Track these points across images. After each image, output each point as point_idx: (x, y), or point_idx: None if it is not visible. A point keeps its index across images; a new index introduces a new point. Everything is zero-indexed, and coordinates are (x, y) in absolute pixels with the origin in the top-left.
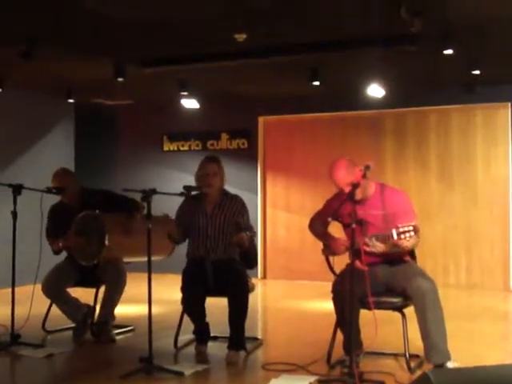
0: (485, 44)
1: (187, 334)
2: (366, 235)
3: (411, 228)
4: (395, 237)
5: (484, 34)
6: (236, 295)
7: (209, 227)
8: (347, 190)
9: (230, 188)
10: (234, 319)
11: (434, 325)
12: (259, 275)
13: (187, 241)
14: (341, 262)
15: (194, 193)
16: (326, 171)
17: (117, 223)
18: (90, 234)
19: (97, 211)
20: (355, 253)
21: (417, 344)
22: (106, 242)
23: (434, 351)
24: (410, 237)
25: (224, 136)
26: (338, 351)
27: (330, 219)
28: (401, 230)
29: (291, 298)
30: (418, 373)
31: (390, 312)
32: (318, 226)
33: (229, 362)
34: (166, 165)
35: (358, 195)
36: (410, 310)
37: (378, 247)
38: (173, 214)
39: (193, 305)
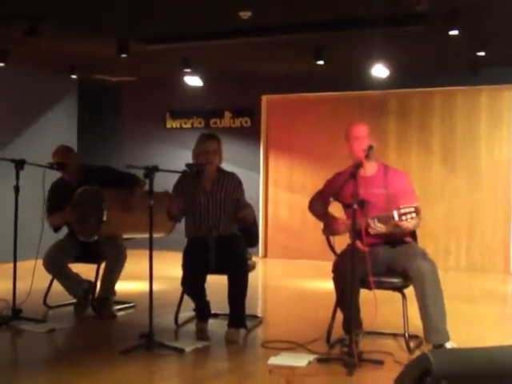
0: (491, 25)
1: (188, 311)
2: (368, 216)
3: (412, 209)
4: (396, 218)
5: (490, 15)
6: (235, 274)
7: (210, 204)
8: (363, 154)
9: (233, 166)
10: (234, 298)
11: (434, 306)
12: (260, 254)
13: (183, 220)
14: (341, 241)
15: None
16: (330, 151)
17: (116, 199)
18: (89, 209)
19: (95, 188)
20: (356, 233)
21: (416, 324)
22: (105, 218)
23: (433, 332)
24: (412, 218)
25: (227, 114)
26: (338, 330)
27: (331, 199)
28: (402, 211)
29: (291, 276)
30: (417, 353)
31: (390, 292)
32: (318, 206)
33: (228, 340)
34: (169, 142)
35: (361, 175)
36: (410, 291)
37: (379, 228)
38: None
39: (193, 285)
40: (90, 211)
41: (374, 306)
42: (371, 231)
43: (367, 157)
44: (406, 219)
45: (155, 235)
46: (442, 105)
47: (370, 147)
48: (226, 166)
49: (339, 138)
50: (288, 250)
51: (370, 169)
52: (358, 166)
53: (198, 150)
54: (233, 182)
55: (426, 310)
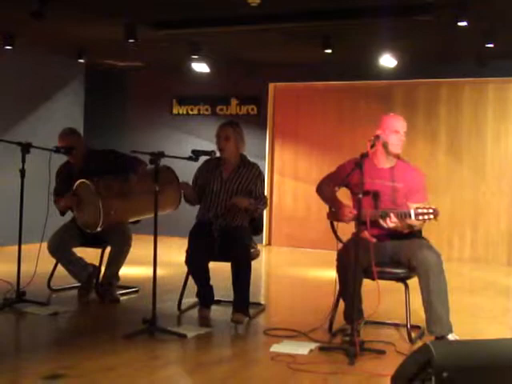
0: (500, 17)
1: (191, 297)
2: (377, 207)
3: (431, 211)
4: (413, 217)
5: (499, 6)
6: (238, 263)
7: (222, 192)
8: (400, 150)
9: None
10: (237, 287)
11: (438, 296)
12: (264, 242)
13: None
14: (346, 229)
15: (207, 157)
16: (335, 140)
17: (112, 188)
18: (87, 203)
19: (88, 181)
20: (362, 224)
21: (419, 315)
22: (101, 214)
23: (435, 323)
24: (429, 220)
25: (233, 101)
26: (340, 319)
27: (336, 188)
28: (420, 211)
29: (295, 265)
30: (419, 344)
31: (393, 282)
32: (326, 189)
33: (235, 321)
34: (175, 128)
35: (373, 165)
36: (412, 281)
37: (393, 224)
38: (182, 178)
39: (196, 266)
40: (88, 205)
41: (377, 296)
42: (384, 224)
43: (372, 147)
44: (423, 220)
45: (163, 212)
46: (448, 96)
47: (377, 137)
48: None
49: (345, 126)
50: (292, 238)
51: (385, 161)
52: (365, 155)
53: (215, 135)
54: (251, 172)
55: (430, 300)
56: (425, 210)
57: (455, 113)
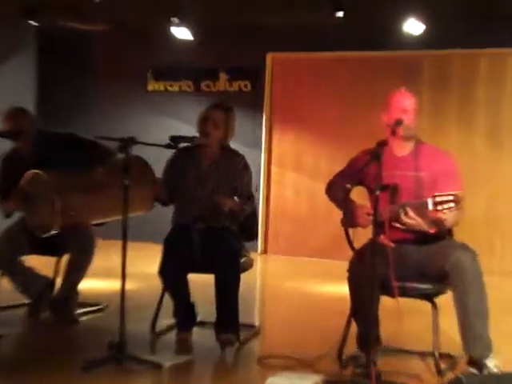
0: None
1: (168, 317)
2: (396, 203)
3: (450, 198)
4: (430, 207)
5: None
6: (225, 275)
7: (199, 188)
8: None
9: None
10: (223, 304)
11: (477, 308)
12: (259, 249)
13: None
14: (364, 236)
15: (186, 144)
16: (348, 125)
17: (72, 182)
18: (39, 200)
19: (41, 172)
20: (378, 225)
21: (449, 340)
22: (58, 212)
23: (473, 340)
24: (449, 209)
25: (222, 76)
26: (351, 346)
27: (349, 186)
28: (438, 199)
29: (297, 278)
30: (450, 376)
31: (417, 301)
32: (338, 190)
33: (222, 342)
34: (151, 108)
35: (390, 155)
36: (442, 300)
37: (411, 219)
38: (158, 171)
39: (173, 278)
40: (41, 202)
41: (398, 318)
42: (401, 224)
43: (393, 134)
44: (442, 209)
45: (135, 213)
46: (489, 71)
47: (398, 121)
48: None
49: (361, 108)
50: (294, 244)
51: (402, 148)
52: (383, 143)
53: (199, 117)
54: (235, 165)
55: (467, 313)
56: (444, 198)
57: (497, 91)
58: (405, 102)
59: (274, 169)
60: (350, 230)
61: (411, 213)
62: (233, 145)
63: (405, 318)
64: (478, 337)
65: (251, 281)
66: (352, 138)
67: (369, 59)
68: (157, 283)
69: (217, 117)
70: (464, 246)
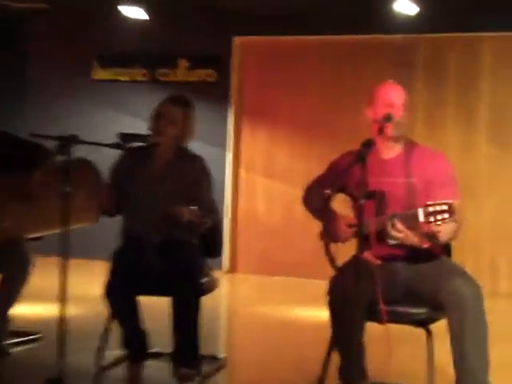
0: None
1: (116, 347)
2: (383, 213)
3: (444, 207)
4: (422, 218)
5: None
6: (181, 297)
7: (151, 195)
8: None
9: None
10: (180, 332)
11: (474, 345)
12: (225, 267)
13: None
14: (348, 252)
15: (137, 144)
16: (331, 122)
17: (3, 189)
18: None
19: None
20: (363, 239)
21: (446, 374)
22: None
23: (469, 381)
24: (443, 220)
25: (182, 63)
26: (332, 380)
27: (329, 192)
28: (430, 209)
29: (270, 301)
30: None
31: (409, 328)
32: (316, 198)
33: (181, 379)
34: (96, 101)
35: (377, 157)
36: (437, 326)
37: (399, 233)
38: (104, 173)
39: (121, 301)
40: None
41: (387, 347)
42: (389, 239)
43: (381, 132)
44: (435, 221)
45: (76, 226)
46: (493, 58)
47: (386, 117)
48: None
49: (345, 102)
50: (266, 262)
51: (390, 149)
52: (369, 143)
53: (152, 113)
54: (193, 170)
55: (463, 349)
56: (437, 208)
57: (502, 81)
58: (393, 96)
59: (242, 173)
60: (331, 245)
61: (399, 225)
62: (194, 144)
63: (395, 348)
64: (472, 377)
65: (215, 305)
66: (335, 137)
67: (353, 43)
68: (103, 308)
69: (173, 112)
70: (464, 272)
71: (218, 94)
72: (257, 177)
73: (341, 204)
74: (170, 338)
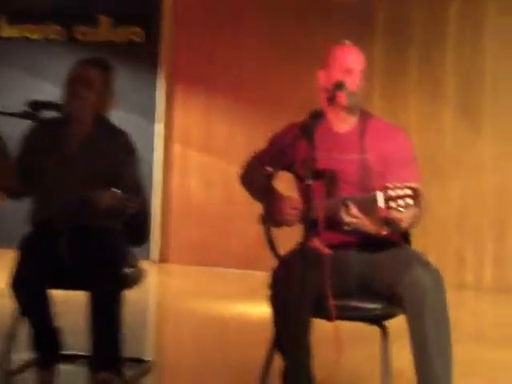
0: None
1: (25, 348)
2: (334, 195)
3: (408, 191)
4: (382, 203)
5: None
6: (100, 291)
7: (65, 174)
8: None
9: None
10: (99, 331)
11: (436, 343)
12: (154, 257)
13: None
14: (292, 238)
15: (50, 114)
16: (275, 90)
17: None
18: None
19: None
20: (311, 225)
21: (405, 377)
22: None
23: (430, 382)
24: (406, 206)
25: (104, 20)
26: None
27: (270, 170)
28: (391, 192)
29: (205, 295)
30: None
31: (363, 325)
32: (256, 176)
33: None
34: (4, 61)
35: (328, 130)
36: (395, 324)
37: (354, 219)
38: (10, 148)
39: (29, 295)
40: None
41: (337, 348)
42: (341, 223)
43: (331, 101)
44: (397, 206)
45: None
46: (461, 19)
47: (339, 85)
48: None
49: (292, 67)
50: (202, 251)
51: (344, 122)
52: (317, 114)
53: (66, 77)
54: (115, 146)
55: (423, 350)
56: (399, 192)
57: (471, 47)
58: (352, 60)
59: (175, 148)
60: (275, 231)
61: (355, 210)
62: (118, 115)
63: (346, 349)
64: (434, 379)
65: (142, 300)
66: (282, 106)
67: (305, 3)
68: (7, 302)
69: (90, 75)
70: (424, 261)
71: (146, 57)
72: (192, 152)
73: (286, 184)
74: (88, 339)
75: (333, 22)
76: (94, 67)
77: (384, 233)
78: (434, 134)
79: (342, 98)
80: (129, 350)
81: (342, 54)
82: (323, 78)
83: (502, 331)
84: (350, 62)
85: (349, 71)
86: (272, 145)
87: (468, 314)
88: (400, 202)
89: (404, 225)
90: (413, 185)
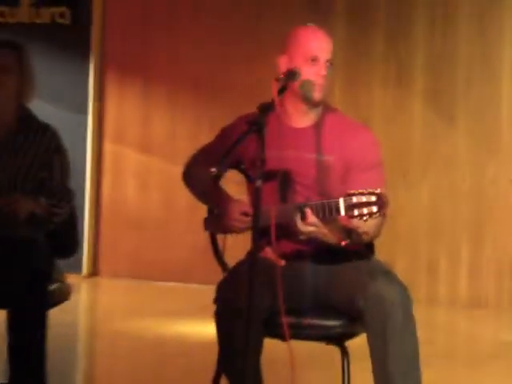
0: None
1: None
2: (288, 199)
3: (373, 198)
4: (343, 211)
5: None
6: (20, 310)
7: None
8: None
9: (34, 101)
10: (17, 356)
11: (402, 364)
12: (84, 270)
13: None
14: (242, 246)
15: None
16: (223, 77)
17: None
18: None
19: None
20: (262, 232)
21: None
22: None
23: None
24: (370, 214)
25: (25, 0)
26: None
27: (216, 170)
28: (354, 200)
29: (142, 313)
30: None
31: (321, 346)
32: (201, 175)
33: None
34: None
35: (283, 125)
36: (357, 344)
37: (313, 226)
38: None
39: None
40: None
41: (291, 370)
42: (297, 234)
43: (282, 92)
44: (360, 215)
45: None
46: (430, 0)
47: (291, 74)
48: None
49: (241, 52)
50: (139, 263)
51: (303, 116)
52: (269, 107)
53: None
54: (40, 144)
55: (387, 371)
56: (363, 199)
57: (442, 30)
58: (319, 47)
59: (107, 146)
60: (220, 238)
61: (312, 217)
62: (43, 108)
63: (302, 372)
64: None
65: (69, 320)
66: (233, 98)
67: None
68: None
69: (3, 59)
70: (387, 272)
71: (74, 41)
72: (127, 151)
73: (235, 185)
74: (6, 365)
75: (294, 7)
76: (4, 48)
77: (344, 243)
78: (401, 127)
79: (296, 89)
80: (52, 379)
81: (307, 39)
82: (283, 65)
83: (478, 350)
84: (316, 49)
85: (315, 59)
86: (219, 140)
87: (441, 332)
88: (364, 210)
89: (367, 237)
90: (378, 191)
